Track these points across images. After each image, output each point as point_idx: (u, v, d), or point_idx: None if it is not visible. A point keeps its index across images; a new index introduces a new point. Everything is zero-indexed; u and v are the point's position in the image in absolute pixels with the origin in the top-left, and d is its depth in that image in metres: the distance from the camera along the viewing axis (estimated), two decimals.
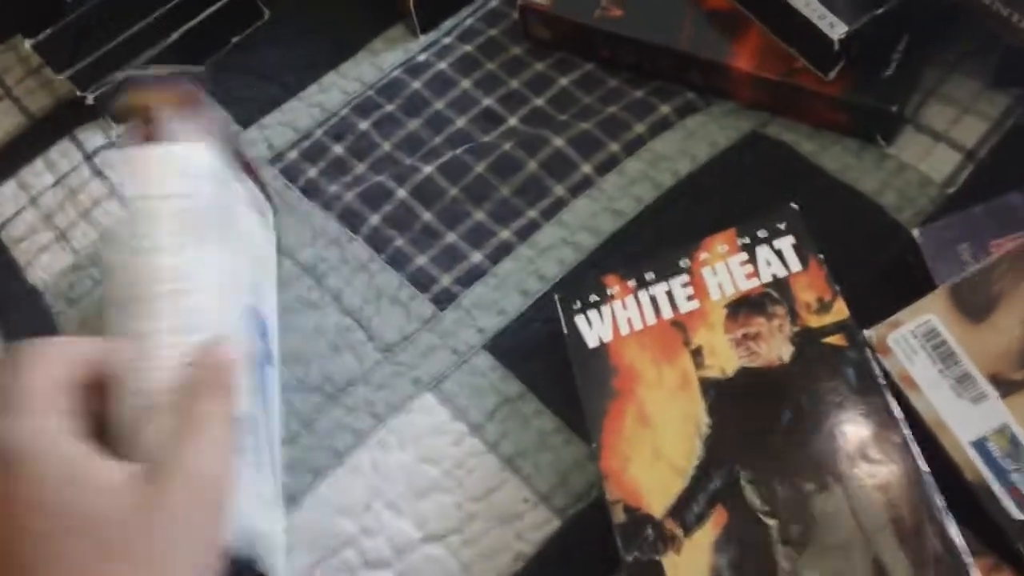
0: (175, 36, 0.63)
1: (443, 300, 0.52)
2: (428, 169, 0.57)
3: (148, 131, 0.41)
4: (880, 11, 0.51)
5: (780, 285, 0.45)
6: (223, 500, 0.32)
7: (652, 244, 0.52)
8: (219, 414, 0.34)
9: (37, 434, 0.31)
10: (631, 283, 0.48)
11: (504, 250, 0.54)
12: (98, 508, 0.29)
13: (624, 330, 0.47)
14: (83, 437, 0.32)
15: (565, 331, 0.47)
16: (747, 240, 0.47)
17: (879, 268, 0.49)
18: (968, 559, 0.37)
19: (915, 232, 0.47)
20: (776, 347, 0.44)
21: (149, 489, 0.31)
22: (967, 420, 0.41)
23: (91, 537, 0.29)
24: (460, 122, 0.59)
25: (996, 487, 0.40)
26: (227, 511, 0.33)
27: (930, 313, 0.43)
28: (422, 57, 0.62)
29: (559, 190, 0.55)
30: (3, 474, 0.30)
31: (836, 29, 0.51)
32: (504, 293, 0.52)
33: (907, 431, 0.40)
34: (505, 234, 0.54)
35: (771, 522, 0.40)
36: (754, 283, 0.46)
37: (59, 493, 0.30)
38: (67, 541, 0.29)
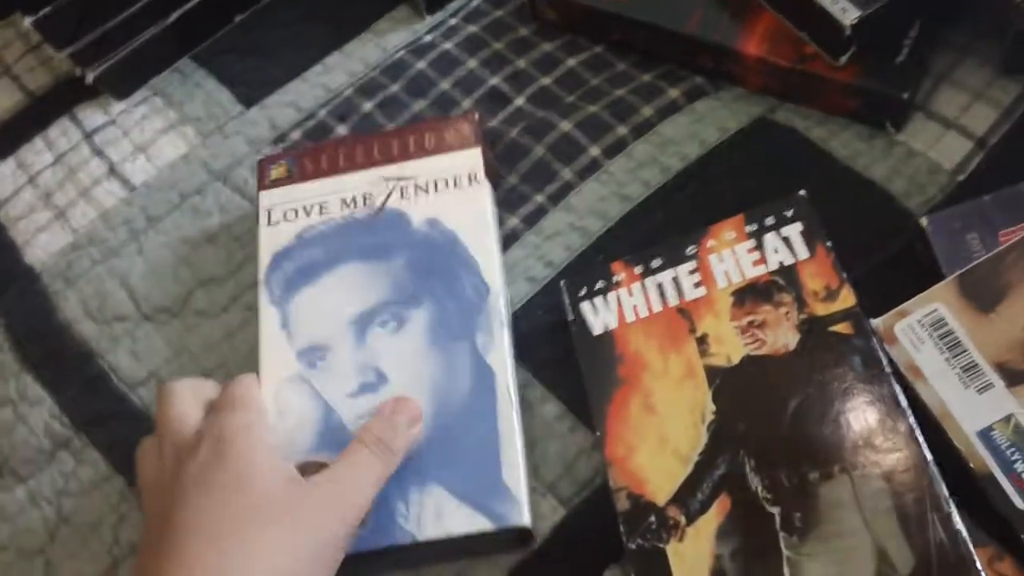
0: (177, 15, 0.63)
1: None
2: None
3: None
4: None
5: (787, 273, 0.45)
6: (349, 510, 0.41)
7: (660, 229, 0.52)
8: (366, 453, 0.43)
9: (250, 427, 0.42)
10: (637, 270, 0.48)
11: (511, 237, 0.53)
12: (272, 489, 0.40)
13: (630, 317, 0.46)
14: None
15: (570, 318, 0.47)
16: (755, 227, 0.47)
17: (887, 256, 0.49)
18: (971, 548, 0.37)
19: (924, 220, 0.47)
20: (782, 335, 0.44)
21: (304, 487, 0.41)
22: (973, 410, 0.41)
23: (263, 509, 0.39)
24: (466, 103, 0.58)
25: (1001, 477, 0.39)
26: (352, 518, 0.41)
27: (937, 302, 0.43)
28: (428, 38, 0.62)
29: (567, 174, 0.54)
30: (220, 449, 0.41)
31: (848, 14, 0.50)
32: (511, 280, 0.52)
33: (912, 420, 0.40)
34: (513, 221, 0.54)
35: (774, 510, 0.39)
36: (761, 270, 0.46)
37: (259, 470, 0.41)
38: (248, 507, 0.39)
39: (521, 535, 0.44)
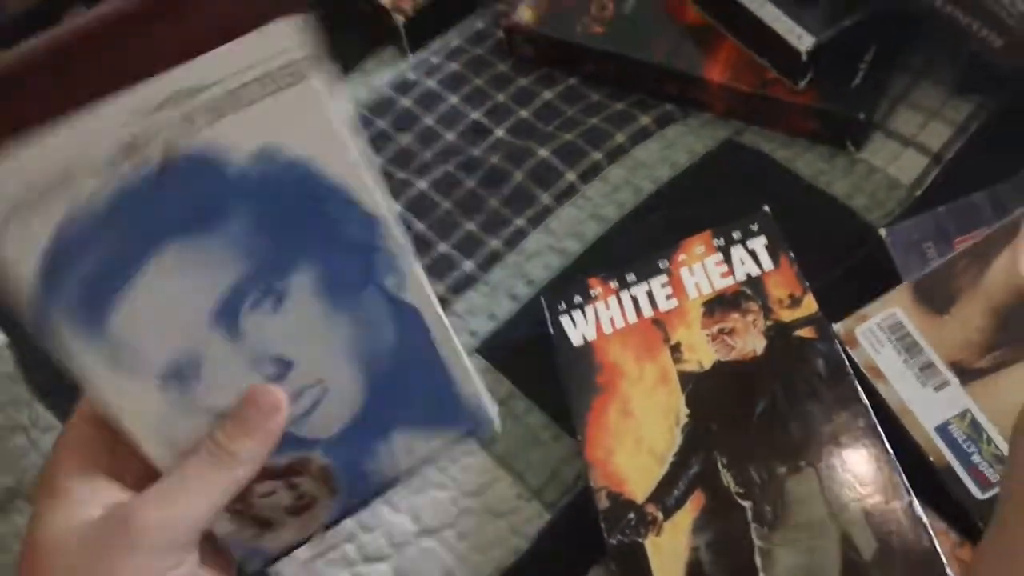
0: None
1: None
2: (421, 183, 0.59)
3: None
4: (846, 24, 0.54)
5: (754, 283, 0.48)
6: (179, 534, 0.37)
7: (634, 247, 0.54)
8: (196, 462, 0.38)
9: None
10: (613, 284, 0.50)
11: (494, 258, 0.56)
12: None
13: (607, 329, 0.49)
14: None
15: (551, 331, 0.50)
16: (722, 241, 0.50)
17: (850, 266, 0.52)
18: (931, 532, 0.39)
19: (883, 232, 0.50)
20: (750, 341, 0.46)
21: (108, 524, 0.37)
22: (931, 407, 0.43)
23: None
24: (449, 136, 0.61)
25: (959, 468, 0.42)
26: (184, 538, 0.37)
27: (895, 307, 0.46)
28: (412, 76, 0.65)
29: (545, 199, 0.57)
30: None
31: (804, 41, 0.53)
32: (494, 299, 0.55)
33: (873, 416, 0.43)
34: (495, 243, 0.56)
35: (746, 503, 0.42)
36: (729, 281, 0.48)
37: None
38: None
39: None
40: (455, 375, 0.41)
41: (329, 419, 0.41)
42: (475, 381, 0.41)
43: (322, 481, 0.42)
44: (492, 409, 0.42)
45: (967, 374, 0.43)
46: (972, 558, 0.30)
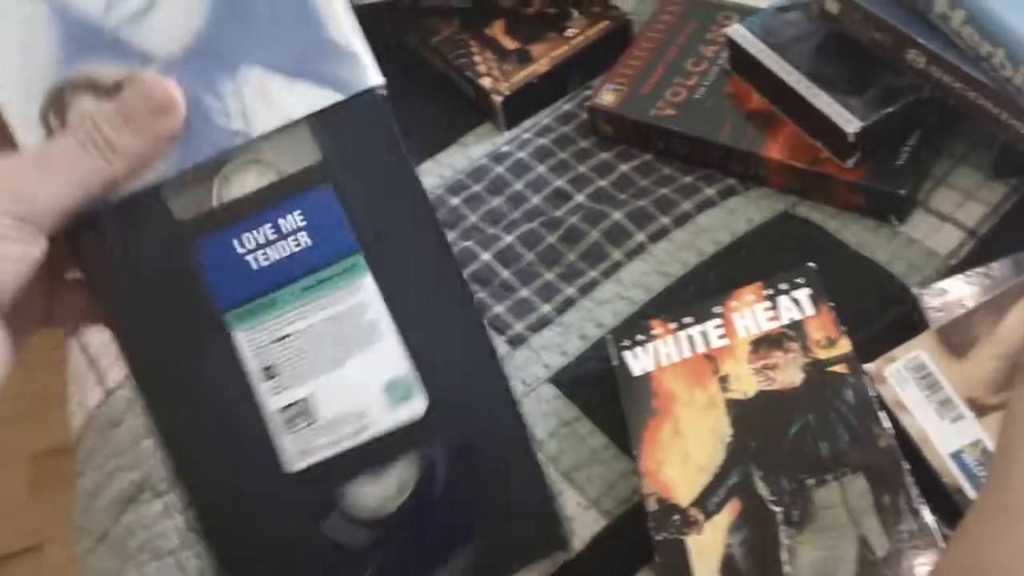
0: None
1: (516, 342, 0.62)
2: (508, 238, 0.68)
3: None
4: (889, 110, 0.61)
5: (796, 326, 0.54)
6: (27, 207, 0.36)
7: (693, 298, 0.61)
8: (71, 144, 0.37)
9: None
10: (672, 325, 0.57)
11: (568, 303, 0.63)
12: None
13: (664, 362, 0.56)
14: None
15: (615, 363, 0.57)
16: (771, 291, 0.56)
17: (887, 321, 0.58)
18: (939, 536, 0.44)
19: (916, 291, 0.56)
20: (790, 374, 0.52)
21: None
22: (947, 436, 0.49)
23: None
24: (535, 199, 0.70)
25: (969, 491, 0.47)
26: (32, 215, 0.37)
27: (920, 350, 0.52)
28: (505, 148, 0.74)
29: (617, 255, 0.65)
30: None
31: (851, 125, 0.61)
32: (567, 338, 0.62)
33: (894, 441, 0.48)
34: (570, 290, 0.64)
35: (777, 509, 0.48)
36: (774, 325, 0.55)
37: None
38: None
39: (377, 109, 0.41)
40: (322, 13, 0.39)
41: (167, 29, 0.40)
42: (347, 28, 0.40)
43: None
44: (368, 65, 0.40)
45: (981, 409, 0.49)
46: (964, 518, 0.34)
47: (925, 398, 0.50)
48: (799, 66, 0.65)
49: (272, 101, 0.40)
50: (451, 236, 0.69)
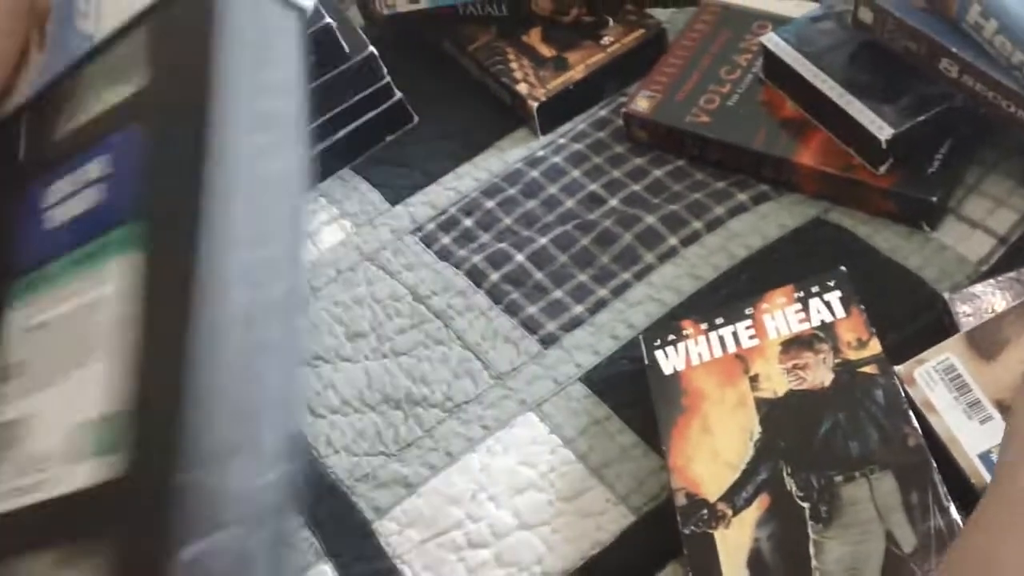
0: (342, 134, 0.77)
1: (548, 341, 0.63)
2: (542, 240, 0.69)
3: None
4: (922, 118, 0.62)
5: (826, 328, 0.55)
6: None
7: (724, 301, 0.62)
8: None
9: None
10: (703, 326, 0.58)
11: (601, 304, 0.64)
12: None
13: (695, 361, 0.56)
14: None
15: (647, 362, 0.57)
16: (802, 294, 0.57)
17: (918, 327, 0.58)
18: None
19: (947, 295, 0.57)
20: (820, 374, 0.53)
21: None
22: (975, 437, 0.49)
23: None
24: (569, 203, 0.71)
25: None
26: None
27: (950, 352, 0.52)
28: (540, 153, 0.75)
29: (649, 258, 0.66)
30: None
31: (884, 132, 0.61)
32: (599, 338, 0.63)
33: (923, 440, 0.49)
34: (602, 292, 0.65)
35: (805, 505, 0.48)
36: (805, 326, 0.55)
37: None
38: None
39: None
40: None
41: None
42: None
43: (40, 22, 0.35)
44: None
45: (1009, 411, 0.49)
46: (978, 508, 0.35)
47: (954, 399, 0.50)
48: (832, 74, 0.65)
49: None
50: (486, 238, 0.70)
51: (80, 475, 0.28)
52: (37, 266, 0.32)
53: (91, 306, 0.30)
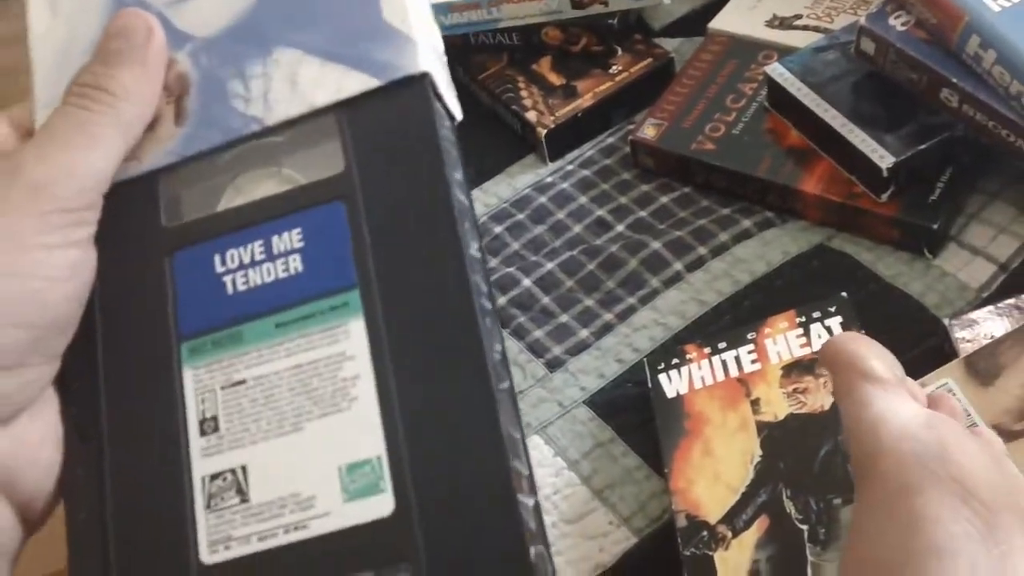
0: None
1: (554, 365, 0.64)
2: (549, 265, 0.70)
3: None
4: (923, 147, 0.63)
5: None
6: (47, 202, 0.34)
7: (728, 326, 0.63)
8: (68, 112, 0.35)
9: None
10: (707, 350, 0.59)
11: (606, 328, 0.65)
12: None
13: (698, 385, 0.57)
14: None
15: (650, 385, 0.58)
16: (803, 319, 0.58)
17: (918, 352, 0.59)
18: None
19: (947, 321, 0.57)
20: (820, 398, 0.54)
21: None
22: None
23: None
24: (576, 228, 0.72)
25: None
26: (58, 210, 0.34)
27: (948, 377, 0.53)
28: (549, 179, 0.76)
29: (654, 283, 0.67)
30: None
31: (885, 160, 0.62)
32: (604, 361, 0.64)
33: None
34: (608, 316, 0.66)
35: (803, 527, 0.49)
36: (807, 351, 0.56)
37: None
38: None
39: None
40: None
41: (212, 8, 0.37)
42: (410, 11, 0.35)
43: (175, 95, 0.38)
44: (417, 48, 0.35)
45: (1005, 434, 0.49)
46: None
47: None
48: (836, 104, 0.66)
49: (297, 84, 0.36)
50: (494, 262, 0.71)
51: (342, 516, 0.33)
52: (222, 328, 0.35)
53: (326, 362, 0.35)
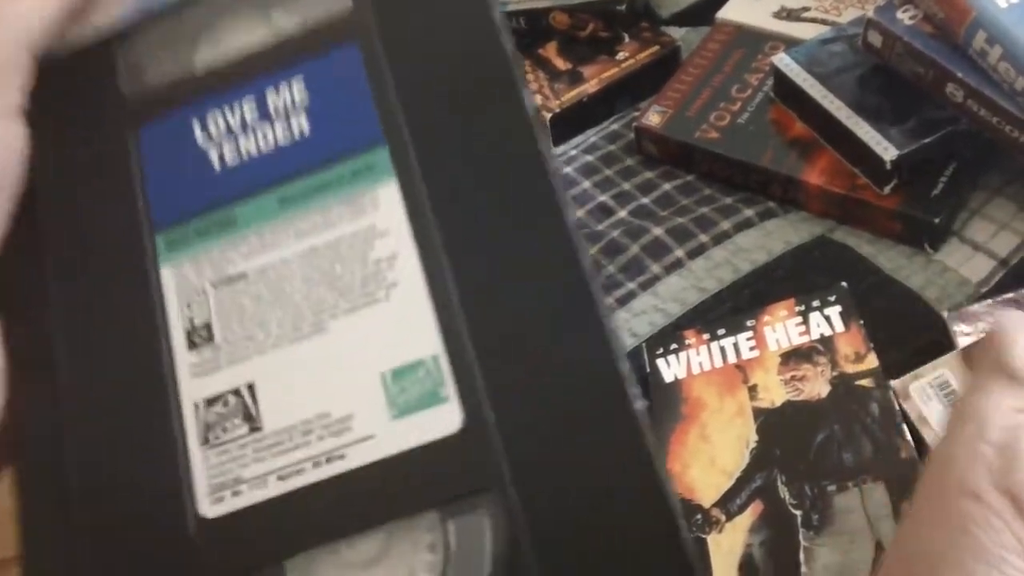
0: None
1: None
2: None
3: None
4: (927, 141, 0.63)
5: (825, 341, 0.56)
6: None
7: (728, 313, 0.63)
8: None
9: None
10: (705, 336, 0.59)
11: None
12: None
13: (695, 370, 0.57)
14: None
15: (648, 369, 0.59)
16: (803, 308, 0.58)
17: (917, 346, 0.59)
18: None
19: (946, 314, 0.58)
20: (817, 386, 0.54)
21: None
22: None
23: None
24: (579, 213, 0.72)
25: None
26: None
27: (945, 368, 0.53)
28: None
29: (655, 268, 0.67)
30: None
31: (889, 152, 0.62)
32: None
33: (915, 452, 0.50)
34: (608, 301, 0.66)
35: (797, 512, 0.49)
36: (805, 339, 0.57)
37: None
38: None
39: None
40: None
41: None
42: None
43: None
44: None
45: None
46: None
47: (948, 415, 0.51)
48: (841, 95, 0.67)
49: None
50: None
51: (394, 437, 0.25)
52: (209, 211, 0.28)
53: (351, 241, 0.27)
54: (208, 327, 0.27)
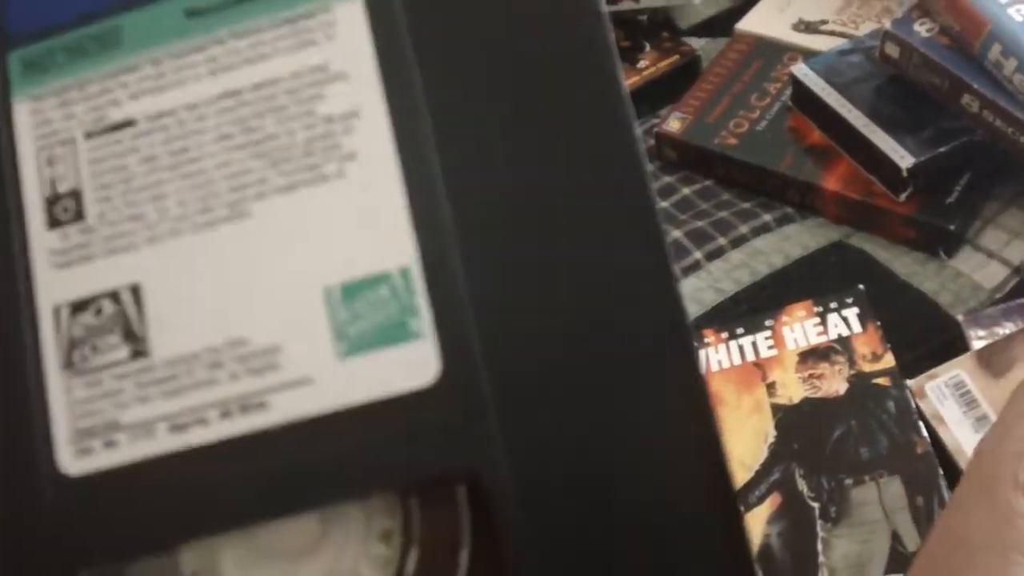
0: None
1: None
2: None
3: None
4: (942, 150, 0.64)
5: (843, 341, 0.57)
6: None
7: (745, 314, 0.64)
8: None
9: None
10: (724, 335, 0.60)
11: None
12: None
13: (714, 368, 0.59)
14: None
15: None
16: (821, 309, 0.60)
17: (931, 348, 0.60)
18: None
19: (960, 317, 0.59)
20: (835, 384, 0.55)
21: None
22: None
23: None
24: None
25: None
26: None
27: (959, 369, 0.54)
28: None
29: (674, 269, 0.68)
30: None
31: (905, 160, 0.64)
32: None
33: (931, 448, 0.51)
34: None
35: (815, 505, 0.50)
36: (823, 339, 0.58)
37: None
38: None
39: None
40: None
41: None
42: None
43: None
44: None
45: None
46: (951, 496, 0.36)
47: (963, 414, 0.53)
48: (858, 105, 0.68)
49: None
50: None
51: (337, 383, 0.18)
52: (80, 24, 0.20)
53: (288, 86, 0.19)
54: (77, 196, 0.19)
